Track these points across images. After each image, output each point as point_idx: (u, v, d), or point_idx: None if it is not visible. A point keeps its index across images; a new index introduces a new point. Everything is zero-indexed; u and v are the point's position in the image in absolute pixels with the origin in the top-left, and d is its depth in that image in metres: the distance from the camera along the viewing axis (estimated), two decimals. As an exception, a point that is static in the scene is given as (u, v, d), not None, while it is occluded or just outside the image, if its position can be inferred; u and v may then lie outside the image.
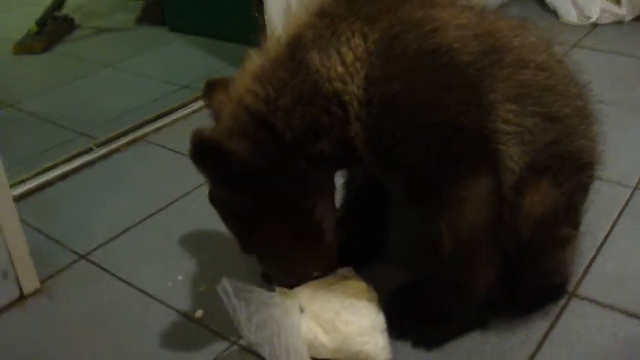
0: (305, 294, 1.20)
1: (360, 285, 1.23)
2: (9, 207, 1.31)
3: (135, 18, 3.01)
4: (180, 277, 1.41)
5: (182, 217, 1.61)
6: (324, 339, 1.14)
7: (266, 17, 2.27)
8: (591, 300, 1.30)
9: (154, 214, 1.63)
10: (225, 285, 1.13)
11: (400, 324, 1.21)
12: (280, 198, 1.11)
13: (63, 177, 1.79)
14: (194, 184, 1.67)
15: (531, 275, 1.23)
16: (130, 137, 1.95)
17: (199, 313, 1.31)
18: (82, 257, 1.50)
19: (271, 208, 1.11)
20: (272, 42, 1.11)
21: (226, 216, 1.16)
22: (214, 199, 1.14)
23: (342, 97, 1.04)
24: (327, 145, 1.07)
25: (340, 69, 1.04)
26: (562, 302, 1.29)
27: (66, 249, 1.52)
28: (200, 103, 2.06)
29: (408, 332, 1.22)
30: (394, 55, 1.03)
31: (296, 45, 1.07)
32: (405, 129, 1.04)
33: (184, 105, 2.12)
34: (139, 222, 1.60)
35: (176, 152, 1.89)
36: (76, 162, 1.83)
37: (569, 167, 1.14)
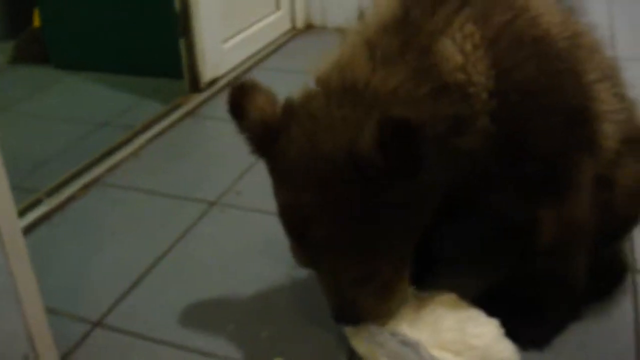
0: (405, 325, 1.08)
1: (449, 297, 1.14)
2: (32, 286, 1.06)
3: (8, 58, 2.66)
4: (232, 326, 1.22)
5: (190, 260, 1.42)
6: (462, 360, 1.02)
7: (194, 40, 2.12)
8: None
9: (159, 260, 1.42)
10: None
11: (505, 327, 1.11)
12: (423, 201, 0.99)
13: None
14: (185, 223, 1.52)
15: (605, 256, 1.23)
16: (82, 181, 1.69)
17: (279, 361, 1.13)
18: (96, 324, 1.25)
19: (414, 210, 0.98)
20: (371, 22, 1.00)
21: (354, 222, 0.95)
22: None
23: (466, 90, 0.96)
24: (463, 142, 0.97)
25: (459, 58, 0.96)
26: (629, 278, 1.29)
27: (74, 319, 1.26)
28: (145, 137, 1.91)
29: (514, 334, 1.12)
30: (516, 42, 0.99)
31: (415, 30, 0.97)
32: (538, 115, 1.00)
33: (128, 141, 1.90)
34: (145, 273, 1.38)
35: (144, 191, 1.68)
36: (29, 218, 1.54)
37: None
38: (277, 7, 2.68)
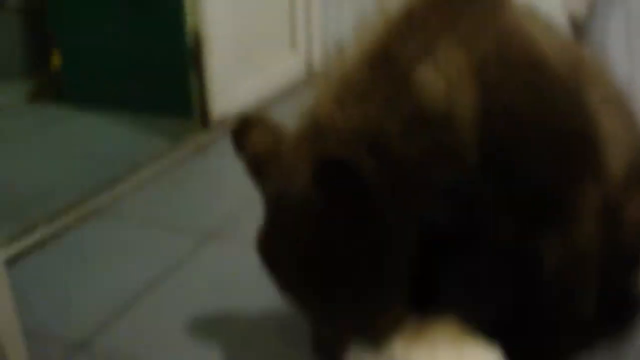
0: (402, 353, 1.00)
1: (449, 324, 1.06)
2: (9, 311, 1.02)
3: (27, 96, 2.69)
4: (221, 354, 1.15)
5: (183, 289, 1.36)
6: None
7: (205, 77, 2.12)
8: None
9: (150, 288, 1.36)
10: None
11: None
12: (395, 238, 0.91)
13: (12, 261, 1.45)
14: (180, 253, 1.47)
15: (617, 290, 1.13)
16: (81, 211, 1.65)
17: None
18: (80, 348, 1.19)
19: (382, 248, 0.91)
20: (349, 55, 0.95)
21: (317, 265, 0.91)
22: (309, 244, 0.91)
23: (450, 119, 0.89)
24: (446, 174, 0.90)
25: (443, 86, 0.89)
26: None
27: (57, 343, 1.20)
28: (150, 171, 1.87)
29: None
30: (505, 68, 0.91)
31: (390, 60, 0.91)
32: (531, 147, 0.92)
33: (131, 174, 1.88)
34: (134, 301, 1.32)
35: (143, 222, 1.64)
36: (23, 244, 1.51)
37: None
38: (293, 49, 2.67)
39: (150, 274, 1.40)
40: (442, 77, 0.89)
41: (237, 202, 1.68)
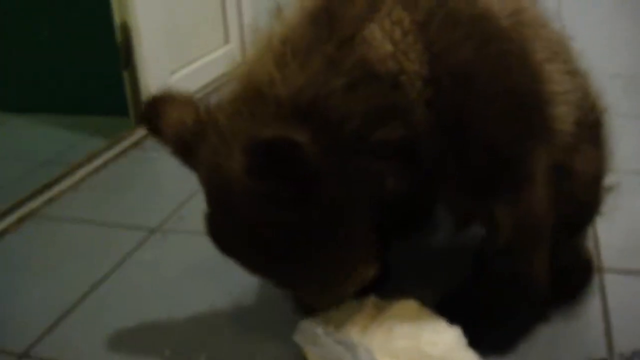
0: (358, 331, 0.99)
1: (409, 304, 1.05)
2: None
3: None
4: (168, 351, 1.11)
5: (128, 286, 1.31)
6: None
7: (138, 72, 2.06)
8: (621, 271, 1.25)
9: (94, 288, 1.31)
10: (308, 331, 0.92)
11: (466, 333, 1.03)
12: (347, 205, 0.90)
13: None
14: (124, 250, 1.42)
15: (568, 253, 1.16)
16: (16, 215, 1.59)
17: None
18: (21, 356, 1.13)
19: (335, 219, 0.89)
20: (290, 18, 0.93)
21: (269, 244, 0.89)
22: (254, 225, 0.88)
23: (398, 78, 0.88)
24: (392, 132, 0.89)
25: (389, 46, 0.88)
26: (596, 278, 1.22)
27: (-3, 353, 1.14)
28: (86, 171, 1.82)
29: (477, 340, 1.04)
30: (450, 24, 0.90)
31: (333, 19, 0.89)
32: (480, 101, 0.91)
33: (67, 175, 1.81)
34: (79, 302, 1.27)
35: (82, 222, 1.59)
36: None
37: (595, 126, 1.11)
38: (226, 40, 2.63)
39: (93, 274, 1.35)
40: (387, 37, 0.88)
41: (178, 195, 1.64)
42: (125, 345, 1.13)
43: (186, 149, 0.93)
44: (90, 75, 2.28)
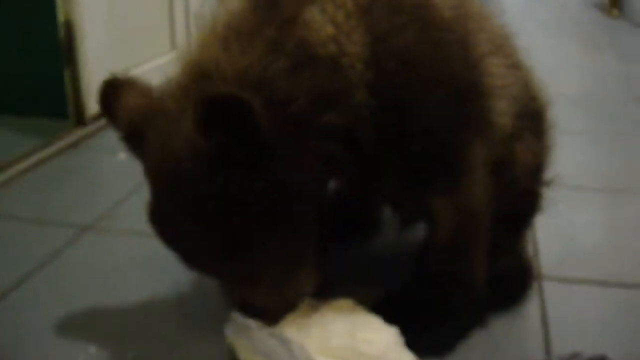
0: (293, 329, 0.96)
1: (345, 303, 1.03)
2: None
3: None
4: (94, 348, 1.05)
5: (56, 283, 1.25)
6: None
7: (79, 71, 2.00)
8: (560, 279, 1.25)
9: (18, 284, 1.24)
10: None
11: (403, 333, 1.01)
12: (295, 185, 0.88)
13: None
14: (53, 247, 1.36)
15: (508, 257, 1.17)
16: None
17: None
18: None
19: (282, 199, 0.87)
20: (233, 3, 0.92)
21: (215, 221, 0.86)
22: (203, 192, 0.85)
23: (339, 61, 0.88)
24: (336, 116, 0.88)
25: (330, 29, 0.88)
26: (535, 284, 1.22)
27: None
28: (19, 168, 1.75)
29: (413, 340, 1.02)
30: (392, 9, 0.91)
31: (274, 2, 0.89)
32: (419, 86, 0.91)
33: (1, 169, 1.73)
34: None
35: (10, 218, 1.52)
36: None
37: (537, 117, 1.13)
38: (173, 46, 2.59)
39: (19, 270, 1.28)
40: (329, 20, 0.88)
41: (113, 195, 1.58)
42: (49, 343, 1.07)
43: (137, 134, 0.91)
44: (31, 74, 2.18)
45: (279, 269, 0.94)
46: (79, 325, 1.12)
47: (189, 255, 0.92)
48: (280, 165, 0.84)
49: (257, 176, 0.83)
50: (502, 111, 1.01)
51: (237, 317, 0.94)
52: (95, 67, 2.06)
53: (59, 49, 2.02)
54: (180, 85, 0.89)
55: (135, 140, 0.93)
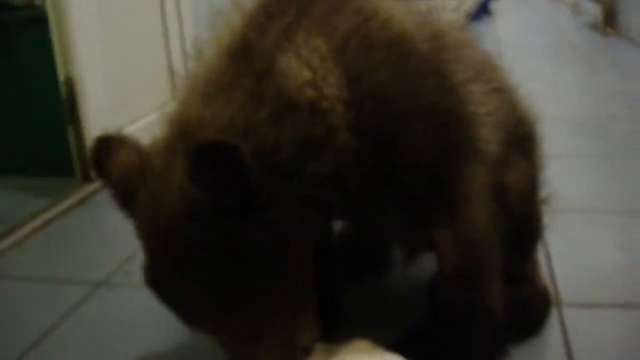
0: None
1: (361, 344, 1.01)
2: None
3: None
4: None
5: (71, 340, 1.25)
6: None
7: (82, 128, 2.02)
8: (579, 305, 1.23)
9: (35, 344, 1.23)
10: None
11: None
12: (287, 233, 0.87)
13: None
14: (67, 305, 1.36)
15: (524, 284, 1.16)
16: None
17: None
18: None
19: (276, 246, 0.86)
20: (210, 57, 0.92)
21: (211, 275, 0.84)
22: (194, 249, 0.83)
23: (318, 105, 0.88)
24: (322, 166, 0.88)
25: (307, 74, 0.88)
26: (556, 313, 1.21)
27: None
28: (30, 227, 1.75)
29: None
30: (367, 47, 0.91)
31: (250, 52, 0.89)
32: (399, 122, 0.91)
33: (9, 233, 1.73)
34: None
35: (24, 279, 1.52)
36: None
37: (525, 139, 1.13)
38: (175, 98, 2.60)
39: (36, 329, 1.27)
40: (304, 64, 0.87)
41: (124, 251, 1.57)
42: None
43: (128, 193, 0.90)
44: (34, 134, 2.20)
45: (279, 321, 0.91)
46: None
47: (188, 314, 0.90)
48: (271, 212, 0.83)
49: (249, 224, 0.82)
50: (488, 138, 0.99)
51: None
52: (99, 122, 2.06)
53: (61, 107, 2.03)
54: (166, 143, 0.88)
55: (126, 198, 0.91)
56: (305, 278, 0.93)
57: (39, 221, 1.80)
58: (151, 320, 1.25)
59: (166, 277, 0.87)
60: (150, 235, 0.88)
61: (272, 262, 0.86)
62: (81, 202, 1.97)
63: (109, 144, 0.94)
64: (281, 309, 0.90)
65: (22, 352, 1.20)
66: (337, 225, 1.20)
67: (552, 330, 1.16)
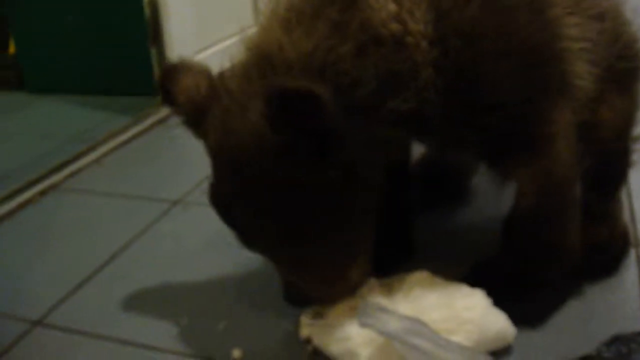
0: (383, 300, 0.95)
1: (421, 275, 1.00)
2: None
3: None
4: (185, 320, 1.08)
5: (147, 256, 1.29)
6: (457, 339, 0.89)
7: (165, 49, 2.03)
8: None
9: (112, 258, 1.29)
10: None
11: (495, 304, 0.98)
12: (361, 172, 0.87)
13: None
14: (144, 221, 1.40)
15: (603, 223, 1.11)
16: (38, 188, 1.58)
17: (236, 353, 0.99)
18: (36, 323, 1.11)
19: (347, 188, 0.86)
20: None
21: (276, 208, 0.85)
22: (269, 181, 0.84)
23: (403, 40, 0.85)
24: (403, 102, 0.85)
25: (393, 7, 0.85)
26: (633, 252, 1.16)
27: (11, 320, 1.13)
28: (110, 146, 1.81)
29: (505, 311, 0.99)
30: None
31: None
32: (488, 60, 0.87)
33: (90, 150, 1.80)
34: (96, 272, 1.25)
35: (104, 194, 1.57)
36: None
37: (626, 74, 1.06)
38: (257, 21, 2.59)
39: (113, 244, 1.33)
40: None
41: (201, 170, 1.58)
42: (142, 314, 1.11)
43: (197, 115, 0.91)
44: (119, 54, 2.25)
45: (332, 256, 0.92)
46: (170, 296, 1.15)
47: (247, 237, 0.91)
48: (347, 154, 0.82)
49: (323, 166, 0.81)
50: (582, 74, 0.94)
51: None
52: (181, 44, 2.09)
53: (145, 28, 2.05)
54: (244, 68, 0.88)
55: (195, 121, 0.93)
56: (367, 215, 0.93)
57: (119, 140, 1.86)
58: (224, 239, 1.28)
59: (230, 200, 0.89)
60: (219, 157, 0.90)
61: (338, 199, 0.86)
62: (161, 122, 2.02)
63: (176, 71, 0.95)
64: (336, 245, 0.91)
65: (98, 267, 1.26)
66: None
67: (627, 271, 1.12)
